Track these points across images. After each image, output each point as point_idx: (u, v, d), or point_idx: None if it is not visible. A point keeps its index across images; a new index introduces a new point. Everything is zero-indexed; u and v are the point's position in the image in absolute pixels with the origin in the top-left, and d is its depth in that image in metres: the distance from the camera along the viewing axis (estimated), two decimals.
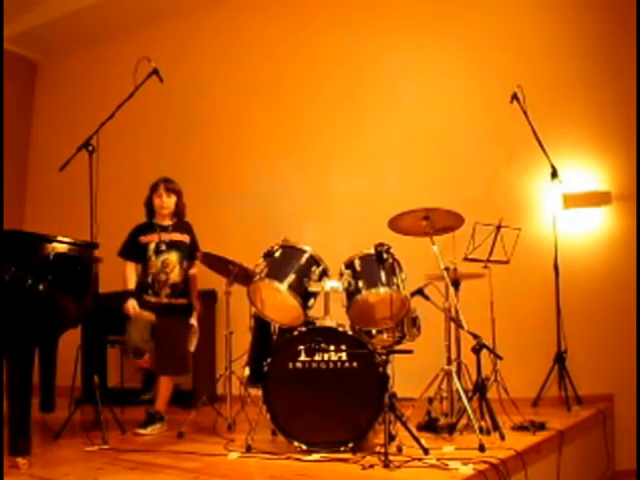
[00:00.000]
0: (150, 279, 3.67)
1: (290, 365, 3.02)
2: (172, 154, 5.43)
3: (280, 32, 5.29)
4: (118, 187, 5.10)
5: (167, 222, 3.77)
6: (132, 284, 3.68)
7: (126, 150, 5.46)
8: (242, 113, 5.33)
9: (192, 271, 3.81)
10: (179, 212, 3.79)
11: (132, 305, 3.60)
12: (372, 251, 3.23)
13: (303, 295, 3.17)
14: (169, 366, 3.60)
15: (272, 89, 5.27)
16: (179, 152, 5.43)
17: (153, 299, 3.66)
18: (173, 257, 3.69)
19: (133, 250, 3.71)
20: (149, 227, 3.76)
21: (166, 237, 3.70)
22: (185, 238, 3.77)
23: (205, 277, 4.47)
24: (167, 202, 3.74)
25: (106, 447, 3.15)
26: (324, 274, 3.26)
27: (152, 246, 3.68)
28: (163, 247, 3.67)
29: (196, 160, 5.39)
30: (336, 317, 3.16)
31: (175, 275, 3.68)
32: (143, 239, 3.71)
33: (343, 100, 5.09)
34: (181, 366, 3.63)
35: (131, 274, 3.70)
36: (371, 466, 2.63)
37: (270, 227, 4.95)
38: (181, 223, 3.81)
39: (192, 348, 3.68)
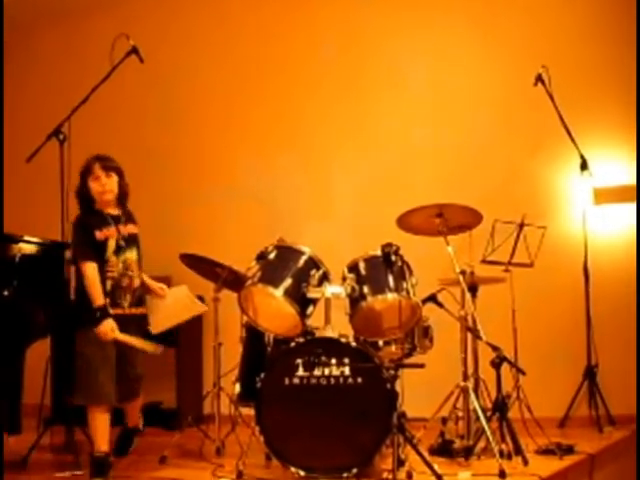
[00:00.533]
0: (110, 286, 3.17)
1: (286, 381, 3.02)
2: (154, 144, 5.41)
3: (277, 11, 5.27)
4: None
5: (116, 211, 3.29)
6: (101, 295, 3.12)
7: (101, 139, 5.40)
8: (233, 101, 5.30)
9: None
10: (123, 196, 3.31)
11: (111, 327, 3.09)
12: (379, 252, 3.24)
13: (301, 302, 3.17)
14: (131, 389, 3.36)
15: (268, 74, 5.24)
16: (162, 142, 5.41)
17: (118, 311, 3.17)
18: (133, 255, 3.26)
19: (90, 249, 3.15)
20: (101, 219, 3.21)
21: (124, 231, 3.26)
22: (136, 229, 3.35)
23: (190, 282, 4.47)
24: (109, 184, 3.23)
25: (79, 473, 3.15)
26: (324, 278, 3.26)
27: (112, 243, 3.18)
28: (122, 244, 3.22)
29: (181, 151, 5.36)
30: (338, 327, 3.16)
31: (136, 278, 3.27)
32: (100, 235, 3.17)
33: (346, 87, 5.07)
34: (138, 388, 3.41)
35: (96, 279, 3.12)
36: None
37: (264, 225, 4.94)
38: (129, 211, 3.36)
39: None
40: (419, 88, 4.90)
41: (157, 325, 3.37)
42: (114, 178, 3.25)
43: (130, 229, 3.30)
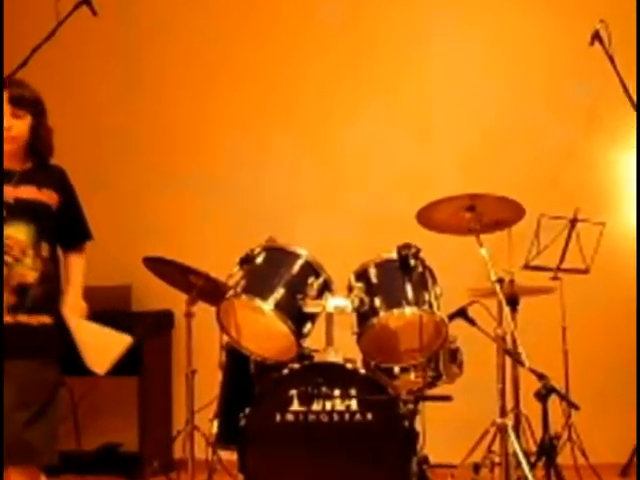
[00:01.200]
0: None
1: (277, 417, 3.01)
2: (110, 122, 5.41)
3: None
4: None
5: (15, 165, 2.82)
6: None
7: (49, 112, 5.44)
8: (213, 67, 5.30)
9: (74, 263, 3.02)
10: (40, 146, 2.87)
11: None
12: (394, 255, 3.23)
13: (296, 318, 3.15)
14: (20, 452, 2.67)
15: (257, 33, 5.24)
16: (121, 115, 5.40)
17: None
18: (20, 234, 2.75)
19: None
20: None
21: (11, 194, 2.76)
22: (50, 197, 2.84)
23: (157, 293, 4.46)
24: (16, 127, 2.78)
25: None
26: (326, 288, 3.26)
27: None
28: (5, 214, 2.73)
29: (146, 132, 5.36)
30: (343, 349, 3.16)
31: (27, 269, 2.75)
32: None
33: (354, 53, 5.10)
34: (40, 451, 2.71)
35: None
36: None
37: (250, 222, 4.96)
38: (44, 168, 2.89)
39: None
40: (442, 54, 4.94)
41: (99, 362, 2.96)
42: (26, 120, 2.80)
43: (24, 193, 2.78)
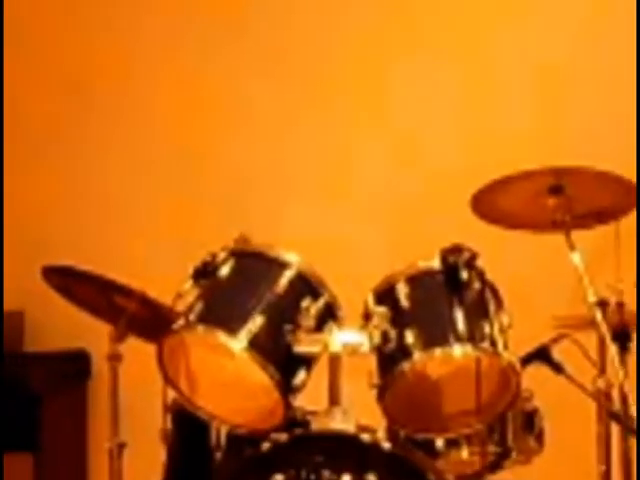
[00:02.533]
0: None
1: None
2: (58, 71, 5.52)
3: None
4: None
5: None
6: None
7: None
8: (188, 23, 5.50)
9: None
10: None
11: None
12: (436, 264, 3.25)
13: (282, 362, 3.16)
14: None
15: None
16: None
17: None
18: None
19: None
20: None
21: None
22: None
23: (64, 324, 4.46)
24: None
25: None
26: (329, 315, 3.26)
27: None
28: None
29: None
30: (357, 411, 3.16)
31: None
32: None
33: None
34: None
35: None
36: None
37: (212, 212, 5.07)
38: None
39: None
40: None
41: None
42: None
43: None
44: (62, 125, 5.48)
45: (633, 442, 3.48)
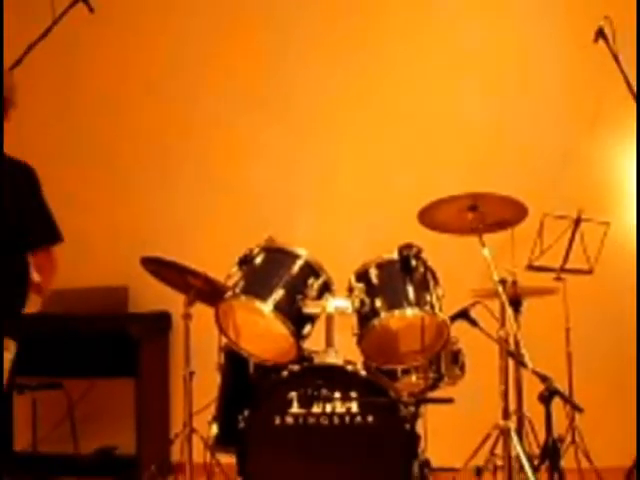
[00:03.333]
0: None
1: (277, 420, 3.02)
2: (108, 116, 5.41)
3: None
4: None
5: None
6: None
7: (43, 113, 5.44)
8: (207, 61, 5.28)
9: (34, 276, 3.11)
10: None
11: None
12: (395, 256, 3.23)
13: (295, 319, 3.16)
14: None
15: (252, 20, 5.22)
16: (119, 112, 5.41)
17: None
18: None
19: None
20: None
21: None
22: None
23: (154, 294, 4.47)
24: None
25: None
26: (326, 289, 3.26)
27: None
28: None
29: (142, 129, 5.36)
30: (343, 351, 3.17)
31: None
32: None
33: (352, 41, 5.09)
34: None
35: None
36: None
37: (248, 222, 4.97)
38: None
39: None
40: (444, 49, 4.93)
41: None
42: None
43: None
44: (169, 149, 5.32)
45: (522, 371, 3.48)
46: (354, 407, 2.98)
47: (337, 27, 5.09)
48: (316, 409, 3.00)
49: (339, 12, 5.09)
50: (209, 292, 3.64)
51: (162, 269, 3.75)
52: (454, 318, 3.29)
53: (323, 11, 5.12)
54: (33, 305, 3.20)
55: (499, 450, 3.43)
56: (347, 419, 2.99)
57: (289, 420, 3.01)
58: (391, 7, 5.02)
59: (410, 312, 3.13)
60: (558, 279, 3.85)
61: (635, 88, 4.07)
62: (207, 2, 5.33)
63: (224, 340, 3.36)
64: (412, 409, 3.08)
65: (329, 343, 3.17)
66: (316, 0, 5.15)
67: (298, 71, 5.15)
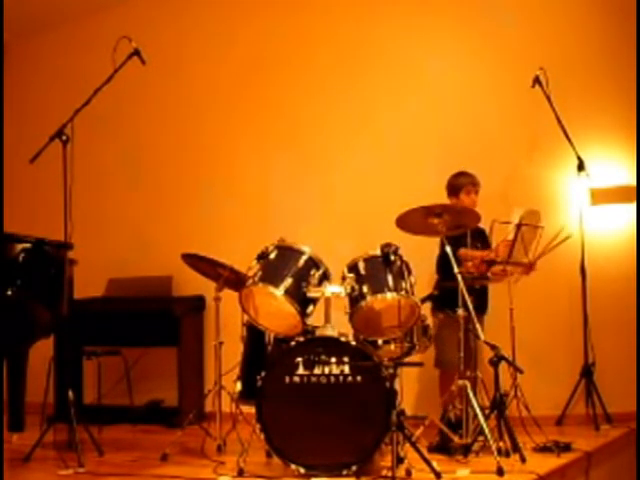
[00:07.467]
0: None
1: (286, 379, 3.02)
2: (154, 144, 5.42)
3: (278, 8, 5.26)
4: (95, 181, 5.09)
5: None
6: None
7: (104, 140, 5.43)
8: (233, 100, 5.25)
9: None
10: None
11: None
12: (378, 252, 3.25)
13: (301, 301, 3.17)
14: None
15: (267, 72, 5.20)
16: (162, 142, 5.41)
17: None
18: None
19: None
20: None
21: None
22: None
23: (192, 282, 4.47)
24: None
25: (82, 470, 3.14)
26: (325, 278, 3.27)
27: None
28: None
29: (182, 151, 5.34)
30: (338, 326, 3.17)
31: None
32: None
33: (347, 86, 5.05)
34: None
35: None
36: None
37: (265, 225, 4.92)
38: None
39: None
40: (419, 90, 4.88)
41: None
42: None
43: None
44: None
45: (477, 342, 3.47)
46: (346, 369, 3.00)
47: (336, 73, 5.07)
48: (317, 371, 3.01)
49: (339, 61, 5.07)
50: (235, 280, 3.63)
51: (198, 262, 3.74)
52: (424, 300, 3.32)
53: (327, 61, 5.09)
54: None
55: (458, 403, 3.43)
56: (341, 379, 3.00)
57: (296, 379, 3.02)
58: (379, 63, 4.99)
59: (389, 296, 3.15)
60: (504, 270, 3.83)
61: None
62: (233, 55, 5.35)
63: (246, 318, 3.36)
64: (391, 371, 3.07)
65: (327, 320, 3.18)
66: (321, 53, 5.13)
67: (304, 107, 5.13)
